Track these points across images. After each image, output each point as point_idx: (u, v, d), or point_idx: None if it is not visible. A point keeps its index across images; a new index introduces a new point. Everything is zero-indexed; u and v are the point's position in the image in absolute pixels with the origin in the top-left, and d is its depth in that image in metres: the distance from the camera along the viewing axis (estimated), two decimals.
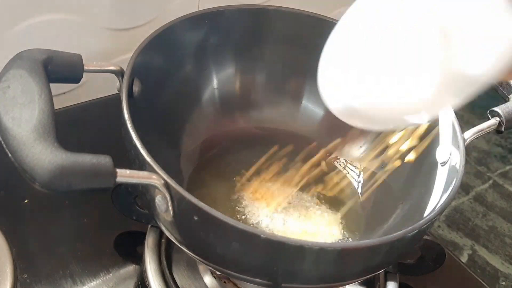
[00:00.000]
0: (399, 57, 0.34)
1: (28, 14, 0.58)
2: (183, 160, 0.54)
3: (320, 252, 0.36)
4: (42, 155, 0.31)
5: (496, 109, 0.47)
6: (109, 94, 0.63)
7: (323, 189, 0.56)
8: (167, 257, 0.50)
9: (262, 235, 0.34)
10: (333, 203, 0.55)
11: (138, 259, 0.51)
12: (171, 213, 0.37)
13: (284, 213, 0.53)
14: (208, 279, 0.50)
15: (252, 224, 0.51)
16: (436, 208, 0.41)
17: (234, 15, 0.55)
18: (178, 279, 0.49)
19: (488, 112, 0.48)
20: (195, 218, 0.36)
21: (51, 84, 0.37)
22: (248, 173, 0.56)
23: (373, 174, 0.56)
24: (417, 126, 0.50)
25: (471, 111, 1.06)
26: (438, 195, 0.45)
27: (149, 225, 0.51)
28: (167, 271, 0.49)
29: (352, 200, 0.56)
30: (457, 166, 0.44)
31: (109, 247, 0.52)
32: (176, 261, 0.50)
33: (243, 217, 0.52)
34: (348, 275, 0.40)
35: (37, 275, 0.48)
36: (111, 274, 0.49)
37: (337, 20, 0.56)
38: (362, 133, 0.58)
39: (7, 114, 0.33)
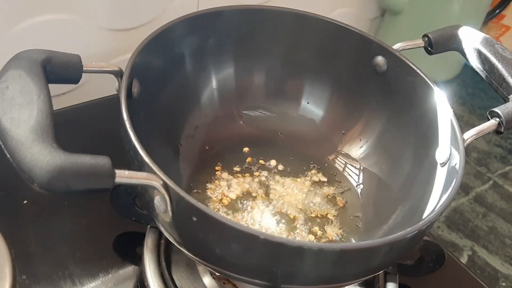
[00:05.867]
0: None
1: (27, 14, 0.58)
2: (182, 160, 0.54)
3: (319, 253, 0.36)
4: (40, 155, 0.31)
5: (496, 109, 0.47)
6: (108, 94, 0.63)
7: (323, 189, 0.56)
8: (166, 258, 0.50)
9: (261, 236, 0.34)
10: (333, 203, 0.55)
11: (137, 260, 0.50)
12: (170, 214, 0.36)
13: (284, 213, 0.53)
14: (207, 280, 0.50)
15: (252, 220, 0.51)
16: (436, 209, 0.41)
17: (234, 15, 0.55)
18: (178, 280, 0.49)
19: (488, 112, 0.48)
20: (194, 219, 0.35)
21: (50, 85, 0.37)
22: (248, 173, 0.56)
23: (373, 174, 0.56)
24: None
25: (471, 111, 1.06)
26: (437, 196, 0.45)
27: (148, 226, 0.51)
28: (166, 272, 0.49)
29: (351, 200, 0.56)
30: (457, 166, 0.44)
31: (108, 248, 0.52)
32: (176, 262, 0.50)
33: (243, 217, 0.51)
34: (348, 276, 0.40)
35: (36, 276, 0.48)
36: (110, 275, 0.49)
37: (338, 21, 0.56)
38: (362, 133, 0.58)
39: (5, 115, 0.33)
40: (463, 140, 0.45)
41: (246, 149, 0.59)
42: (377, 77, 0.55)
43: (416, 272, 0.54)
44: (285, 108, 0.61)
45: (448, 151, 0.47)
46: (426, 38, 0.54)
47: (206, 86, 0.57)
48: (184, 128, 0.55)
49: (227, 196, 0.53)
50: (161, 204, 0.36)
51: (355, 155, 0.59)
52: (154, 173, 0.35)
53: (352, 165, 0.59)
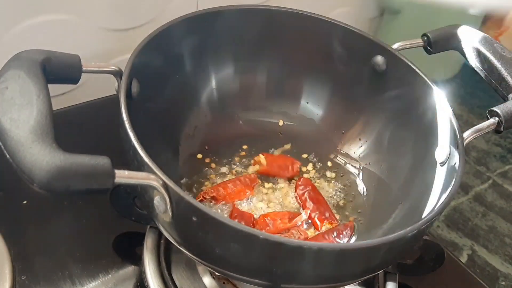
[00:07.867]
0: None
1: (27, 14, 0.58)
2: (181, 160, 0.54)
3: (319, 253, 0.36)
4: (40, 156, 0.31)
5: (495, 109, 0.47)
6: (108, 95, 0.63)
7: (322, 189, 0.56)
8: (166, 258, 0.50)
9: (261, 236, 0.34)
10: (332, 203, 0.55)
11: (137, 260, 0.51)
12: (170, 214, 0.37)
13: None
14: (207, 280, 0.50)
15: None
16: (436, 208, 0.41)
17: (233, 15, 0.55)
18: (177, 280, 0.49)
19: (487, 112, 0.48)
20: (194, 219, 0.36)
21: (49, 85, 0.37)
22: (248, 173, 0.56)
23: (373, 173, 0.56)
24: None
25: (470, 111, 1.06)
26: (437, 195, 0.45)
27: (148, 226, 0.51)
28: (166, 272, 0.49)
29: (351, 199, 0.56)
30: (456, 166, 0.44)
31: (108, 248, 0.52)
32: (175, 262, 0.50)
33: None
34: (347, 275, 0.40)
35: (36, 276, 0.48)
36: (110, 275, 0.49)
37: (337, 20, 0.56)
38: (361, 132, 0.58)
39: (5, 115, 0.33)
40: (463, 139, 0.45)
41: (245, 149, 0.59)
42: (377, 76, 0.55)
43: (416, 272, 0.54)
44: (284, 108, 0.61)
45: (447, 150, 0.47)
46: (425, 38, 0.54)
47: (205, 86, 0.57)
48: (184, 128, 0.55)
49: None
50: (161, 204, 0.36)
51: (355, 155, 0.59)
52: (154, 173, 0.35)
53: (351, 165, 0.59)
